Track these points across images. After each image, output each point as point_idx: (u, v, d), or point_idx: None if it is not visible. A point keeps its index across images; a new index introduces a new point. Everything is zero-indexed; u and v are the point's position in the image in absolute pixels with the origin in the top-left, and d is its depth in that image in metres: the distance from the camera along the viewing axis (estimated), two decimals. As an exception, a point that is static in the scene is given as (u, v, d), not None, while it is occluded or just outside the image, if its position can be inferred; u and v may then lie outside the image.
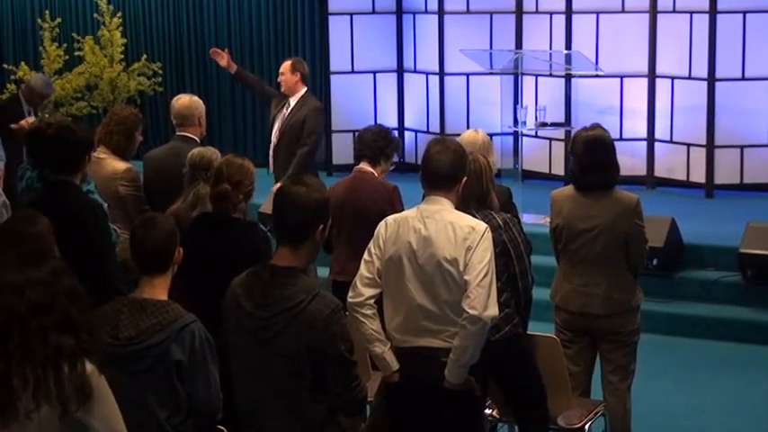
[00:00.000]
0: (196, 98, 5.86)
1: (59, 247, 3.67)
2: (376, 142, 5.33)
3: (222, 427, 3.55)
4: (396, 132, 10.66)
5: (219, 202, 4.31)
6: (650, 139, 9.83)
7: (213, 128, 10.65)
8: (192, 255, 3.58)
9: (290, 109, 7.17)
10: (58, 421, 2.57)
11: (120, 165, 5.45)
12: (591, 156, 4.72)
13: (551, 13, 10.01)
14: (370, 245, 3.90)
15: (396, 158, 5.54)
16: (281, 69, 7.27)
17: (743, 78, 9.35)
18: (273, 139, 7.19)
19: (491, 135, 5.56)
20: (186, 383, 3.29)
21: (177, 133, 5.77)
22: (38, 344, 2.55)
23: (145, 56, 11.55)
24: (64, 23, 11.67)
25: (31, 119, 8.16)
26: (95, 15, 11.55)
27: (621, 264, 4.77)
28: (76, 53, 11.38)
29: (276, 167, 7.09)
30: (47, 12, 11.58)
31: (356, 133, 5.56)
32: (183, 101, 5.81)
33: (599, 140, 4.76)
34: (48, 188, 4.57)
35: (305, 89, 7.24)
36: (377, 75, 10.90)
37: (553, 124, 9.04)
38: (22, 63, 11.15)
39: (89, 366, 2.63)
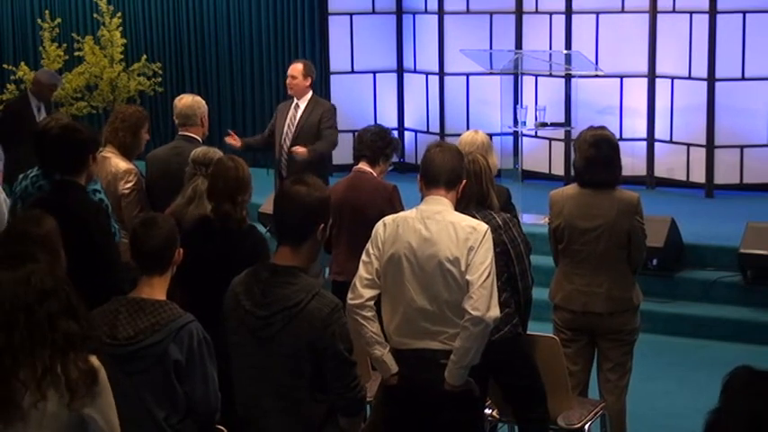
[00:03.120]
0: (198, 98, 5.87)
1: (64, 246, 3.67)
2: (375, 143, 5.32)
3: (222, 427, 3.55)
4: (396, 133, 10.71)
5: (225, 221, 4.29)
6: (650, 139, 9.83)
7: (213, 128, 10.60)
8: (190, 258, 3.57)
9: (300, 112, 7.15)
10: (66, 409, 2.57)
11: (121, 164, 5.45)
12: (599, 152, 4.72)
13: (551, 14, 10.02)
14: (369, 246, 3.89)
15: (395, 159, 5.53)
16: (293, 73, 7.21)
17: (743, 78, 9.36)
18: (285, 142, 7.16)
19: (491, 135, 5.57)
20: (184, 383, 3.29)
21: (180, 133, 5.77)
22: (47, 331, 2.57)
23: (145, 56, 11.56)
24: (64, 23, 11.67)
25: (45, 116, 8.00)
26: (95, 15, 11.55)
27: (623, 262, 4.78)
28: (76, 53, 11.38)
29: (290, 171, 6.95)
30: (47, 12, 11.59)
31: (356, 133, 5.55)
32: (186, 101, 5.82)
33: (606, 139, 4.80)
34: (52, 188, 4.59)
35: (311, 92, 7.26)
36: (377, 75, 10.91)
37: (553, 124, 9.03)
38: (22, 63, 11.15)
39: (95, 360, 2.65)
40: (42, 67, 11.07)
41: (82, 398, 2.59)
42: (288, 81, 7.25)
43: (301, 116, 7.15)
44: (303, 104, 7.18)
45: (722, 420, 2.23)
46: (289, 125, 7.19)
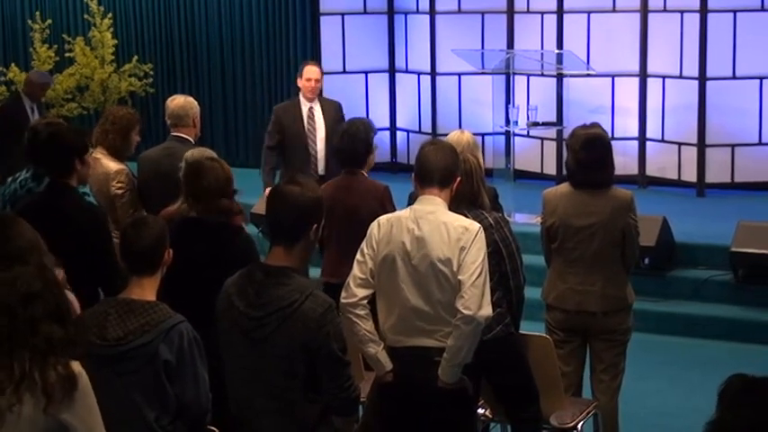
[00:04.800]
0: (191, 99, 5.86)
1: (58, 248, 3.66)
2: (357, 150, 5.26)
3: (213, 428, 3.54)
4: (387, 132, 10.71)
5: (228, 216, 4.29)
6: (642, 138, 9.85)
7: (204, 129, 10.57)
8: (178, 258, 3.56)
9: (319, 113, 7.06)
10: (42, 413, 2.56)
11: (112, 165, 5.44)
12: (591, 153, 4.71)
13: (543, 13, 10.02)
14: (363, 245, 3.91)
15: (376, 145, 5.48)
16: (315, 76, 7.10)
17: (734, 77, 9.37)
18: (314, 145, 7.04)
19: (483, 135, 5.56)
20: (175, 384, 3.29)
21: (172, 134, 5.76)
22: (28, 334, 2.55)
23: (136, 57, 11.54)
24: (54, 25, 11.65)
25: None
26: (86, 16, 11.53)
27: (616, 261, 4.78)
28: (67, 54, 11.37)
29: (328, 172, 6.83)
30: (37, 13, 11.57)
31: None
32: (178, 101, 5.81)
33: (599, 138, 4.77)
34: (46, 190, 4.61)
35: None
36: (368, 75, 10.90)
37: (545, 124, 9.04)
38: (12, 64, 11.13)
39: (76, 366, 2.63)
40: (33, 69, 11.06)
41: (58, 403, 2.57)
42: (308, 84, 7.07)
43: (325, 118, 7.07)
44: (317, 105, 7.10)
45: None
46: (309, 128, 7.06)
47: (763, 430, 2.16)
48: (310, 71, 7.18)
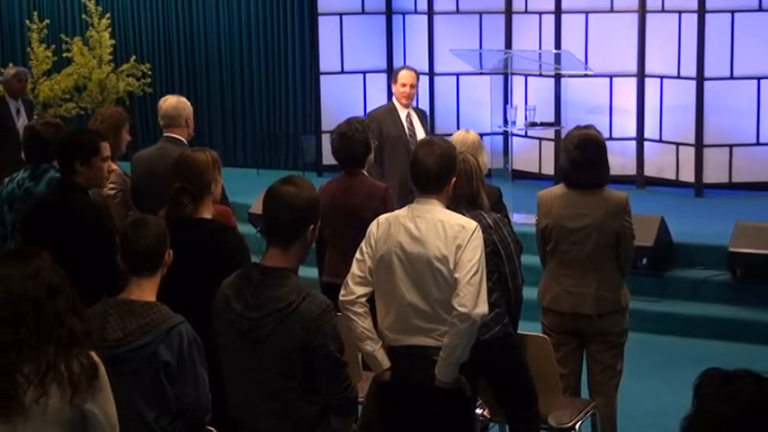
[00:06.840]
0: (183, 99, 5.83)
1: (63, 246, 3.68)
2: (356, 149, 5.25)
3: (213, 429, 3.54)
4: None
5: (177, 202, 4.19)
6: (640, 138, 9.86)
7: (202, 129, 10.64)
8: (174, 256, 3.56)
9: (415, 120, 6.99)
10: (68, 404, 2.57)
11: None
12: (584, 152, 4.72)
13: (541, 13, 10.03)
14: (362, 244, 3.92)
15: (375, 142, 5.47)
16: (412, 81, 6.95)
17: (731, 77, 9.39)
18: None
19: (481, 135, 5.55)
20: (174, 385, 3.29)
21: (165, 134, 5.75)
22: (54, 326, 2.58)
23: (134, 57, 11.54)
24: (52, 24, 11.64)
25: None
26: (84, 16, 11.52)
27: (611, 263, 4.78)
28: (65, 54, 11.36)
29: None
30: (35, 13, 11.55)
31: (333, 138, 5.35)
32: (171, 102, 5.79)
33: (592, 139, 4.77)
34: (53, 189, 4.65)
35: None
36: (366, 75, 10.90)
37: (543, 124, 9.04)
38: (10, 64, 11.11)
39: (94, 355, 2.67)
40: (31, 69, 11.05)
41: (83, 393, 2.60)
42: (404, 90, 6.95)
43: (422, 125, 6.99)
44: (407, 112, 6.99)
45: (695, 426, 2.22)
46: (410, 134, 6.93)
47: (739, 423, 2.16)
48: (405, 76, 6.98)
